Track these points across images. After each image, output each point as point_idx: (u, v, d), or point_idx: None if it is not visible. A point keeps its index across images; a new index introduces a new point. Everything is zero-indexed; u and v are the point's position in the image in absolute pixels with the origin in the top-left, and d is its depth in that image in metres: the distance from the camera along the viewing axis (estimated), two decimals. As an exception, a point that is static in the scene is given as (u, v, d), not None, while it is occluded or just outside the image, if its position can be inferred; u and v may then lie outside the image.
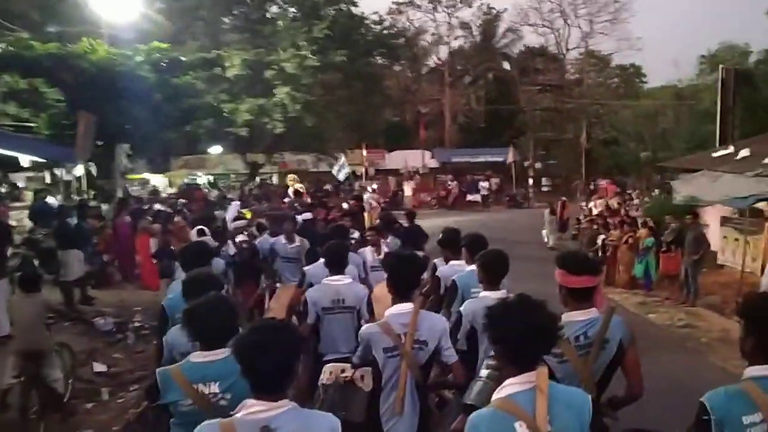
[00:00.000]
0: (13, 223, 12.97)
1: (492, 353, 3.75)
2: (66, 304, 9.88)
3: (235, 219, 11.57)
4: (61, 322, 8.07)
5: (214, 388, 3.10)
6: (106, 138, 16.41)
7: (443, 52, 45.55)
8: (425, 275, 6.11)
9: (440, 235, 6.18)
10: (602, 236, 15.26)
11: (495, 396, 2.49)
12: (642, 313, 12.07)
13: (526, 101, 42.02)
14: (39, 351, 6.28)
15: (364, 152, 33.57)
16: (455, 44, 45.64)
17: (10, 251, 10.39)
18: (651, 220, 14.31)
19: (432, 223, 17.47)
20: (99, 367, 8.43)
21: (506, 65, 46.46)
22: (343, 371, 4.12)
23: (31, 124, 15.76)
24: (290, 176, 26.11)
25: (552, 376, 3.35)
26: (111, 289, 12.70)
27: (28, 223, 13.58)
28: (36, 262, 11.98)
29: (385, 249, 7.71)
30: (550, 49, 45.15)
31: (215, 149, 30.94)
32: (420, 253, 8.86)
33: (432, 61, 46.76)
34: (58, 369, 6.59)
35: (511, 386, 2.45)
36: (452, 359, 3.89)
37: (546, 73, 43.60)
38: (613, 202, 21.43)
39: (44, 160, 14.54)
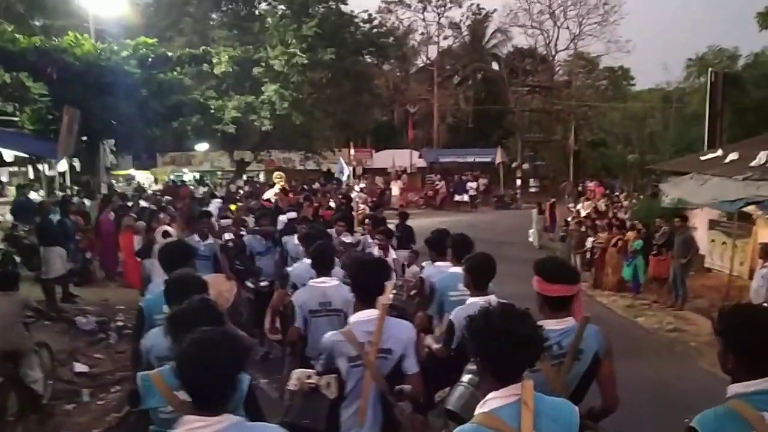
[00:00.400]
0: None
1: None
2: (47, 302, 9.68)
3: (222, 218, 11.42)
4: (41, 321, 7.87)
5: None
6: (90, 133, 16.23)
7: (432, 51, 45.58)
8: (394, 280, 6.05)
9: (429, 236, 6.10)
10: (591, 238, 15.24)
11: (477, 410, 2.36)
12: (630, 317, 12.06)
13: (514, 102, 42.05)
14: (16, 351, 6.13)
15: (352, 151, 33.49)
16: (444, 44, 45.69)
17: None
18: (639, 223, 14.30)
19: (419, 223, 17.40)
20: (80, 367, 8.26)
21: (495, 66, 46.51)
22: (309, 377, 4.02)
23: (15, 119, 15.54)
24: (276, 174, 25.96)
25: None
26: (94, 287, 12.51)
27: (10, 219, 13.38)
28: (17, 259, 11.84)
29: (393, 254, 7.63)
30: (539, 50, 45.23)
31: (202, 146, 30.73)
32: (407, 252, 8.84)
33: (421, 61, 46.79)
34: (37, 369, 6.43)
35: (493, 400, 2.33)
36: (412, 370, 3.77)
37: (535, 74, 43.67)
38: (601, 204, 21.46)
39: (27, 155, 14.28)
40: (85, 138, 16.28)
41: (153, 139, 22.68)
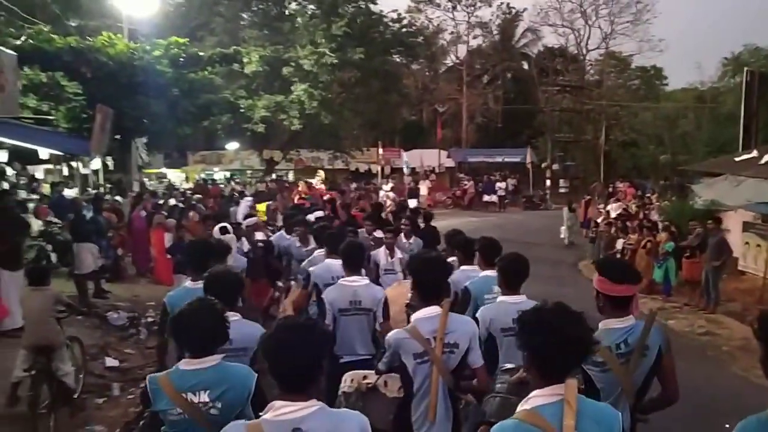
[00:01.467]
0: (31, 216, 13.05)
1: (506, 365, 3.66)
2: (79, 298, 9.84)
3: (247, 216, 11.50)
4: (72, 316, 8.01)
5: (204, 397, 3.00)
6: (123, 132, 16.48)
7: (462, 51, 45.44)
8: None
9: (452, 237, 6.06)
10: (621, 240, 15.04)
11: (520, 407, 2.37)
12: (661, 319, 11.83)
13: (544, 101, 41.69)
14: (49, 345, 6.23)
15: (380, 150, 33.50)
16: (474, 43, 45.50)
17: (26, 244, 10.40)
18: (671, 224, 14.08)
19: (447, 223, 17.37)
20: (111, 362, 8.39)
21: (525, 65, 46.19)
22: (365, 378, 4.01)
23: (50, 117, 15.85)
24: (319, 173, 26.38)
25: (593, 386, 3.29)
26: (125, 283, 12.71)
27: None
28: (52, 255, 12.08)
29: (398, 253, 7.60)
30: (570, 49, 44.74)
31: (232, 145, 31.07)
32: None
33: (450, 60, 46.68)
34: (68, 363, 6.53)
35: (537, 398, 2.33)
36: (478, 363, 3.79)
37: (565, 73, 43.19)
38: (632, 206, 21.18)
39: (62, 153, 14.54)
40: (117, 136, 16.53)
41: (184, 138, 23.00)
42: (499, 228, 23.90)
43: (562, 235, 20.88)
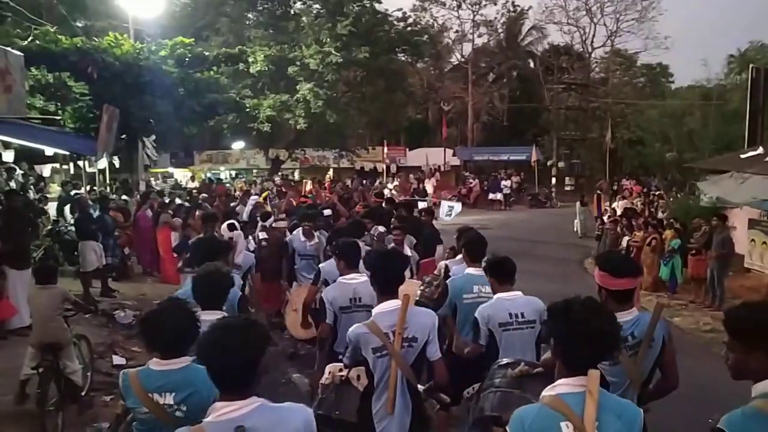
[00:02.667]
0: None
1: (503, 360, 3.69)
2: (83, 295, 9.92)
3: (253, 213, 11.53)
4: (80, 314, 8.08)
5: (169, 399, 2.99)
6: (129, 132, 16.54)
7: (467, 49, 45.33)
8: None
9: (463, 239, 6.06)
10: (626, 237, 15.02)
11: (545, 393, 2.42)
12: (666, 317, 11.78)
13: (550, 100, 41.62)
14: (56, 343, 6.27)
15: (385, 149, 33.52)
16: (479, 41, 45.36)
17: (34, 243, 10.48)
18: (677, 222, 14.05)
19: (452, 221, 17.36)
20: (118, 359, 8.44)
21: (531, 63, 46.07)
22: (340, 370, 4.09)
23: (57, 117, 15.94)
24: (328, 174, 26.45)
25: (603, 380, 3.32)
26: (132, 282, 12.77)
27: (53, 215, 13.76)
28: (59, 254, 12.16)
29: (407, 250, 7.62)
30: (575, 47, 44.59)
31: (238, 144, 31.15)
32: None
33: (455, 59, 46.59)
34: (76, 361, 6.57)
35: (562, 386, 2.39)
36: (436, 356, 3.82)
37: (571, 71, 43.09)
38: (637, 203, 21.16)
39: (68, 153, 14.62)
40: (124, 136, 16.60)
41: (190, 138, 23.10)
42: (505, 226, 23.91)
43: (575, 228, 21.72)
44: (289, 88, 26.43)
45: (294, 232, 8.31)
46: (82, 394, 6.80)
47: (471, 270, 5.15)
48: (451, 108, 41.36)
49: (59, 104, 16.16)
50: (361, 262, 5.39)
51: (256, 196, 16.62)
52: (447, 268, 5.96)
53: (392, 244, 7.67)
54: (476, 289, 4.99)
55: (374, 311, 3.86)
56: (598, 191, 25.08)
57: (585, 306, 2.44)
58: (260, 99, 25.59)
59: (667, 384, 3.59)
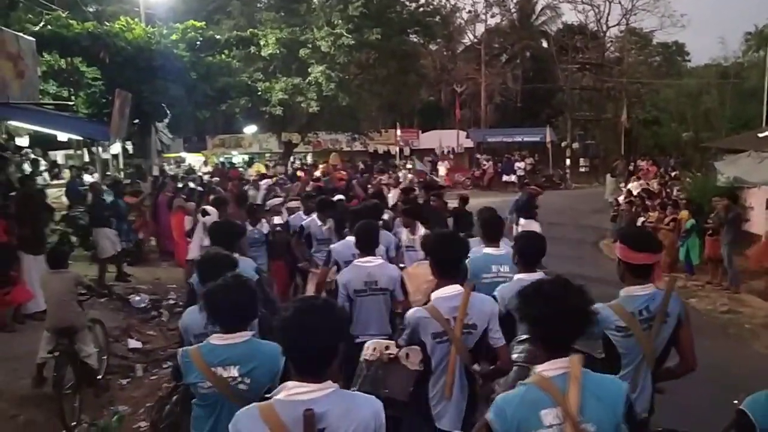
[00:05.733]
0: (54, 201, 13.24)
1: (521, 336, 3.67)
2: (98, 280, 10.01)
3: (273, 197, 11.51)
4: (95, 299, 8.13)
5: (234, 372, 3.06)
6: (142, 116, 16.53)
7: (479, 29, 44.90)
8: None
9: (480, 219, 5.98)
10: (641, 218, 14.88)
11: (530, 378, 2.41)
12: (683, 298, 11.71)
13: (564, 80, 41.17)
14: (71, 327, 6.33)
15: (398, 132, 33.39)
16: (492, 22, 44.95)
17: (49, 229, 10.55)
18: (693, 203, 13.88)
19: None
20: (133, 343, 8.51)
21: (544, 43, 45.57)
22: (387, 348, 4.05)
23: (70, 103, 15.98)
24: (333, 155, 26.37)
25: (614, 351, 3.37)
26: (147, 266, 12.85)
27: (65, 201, 13.83)
28: (74, 239, 12.24)
29: (420, 230, 7.56)
30: (589, 26, 44.06)
31: (250, 128, 31.10)
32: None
33: (468, 40, 46.19)
34: (91, 345, 6.64)
35: (544, 372, 2.37)
36: (500, 343, 3.79)
37: (585, 51, 42.54)
38: (653, 183, 20.96)
39: (81, 138, 14.68)
40: (136, 121, 16.61)
41: (203, 122, 23.04)
42: (518, 208, 23.76)
43: (605, 196, 23.79)
44: (301, 71, 26.28)
45: (310, 218, 8.27)
46: (99, 377, 6.88)
47: (489, 250, 5.09)
48: (464, 89, 41.05)
49: (72, 90, 16.21)
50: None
51: (270, 180, 16.62)
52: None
53: (401, 228, 7.64)
54: (495, 269, 4.93)
55: (433, 296, 3.82)
56: (611, 174, 25.42)
57: (556, 285, 2.44)
58: (272, 82, 25.48)
59: (685, 366, 3.56)
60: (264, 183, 15.94)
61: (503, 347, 3.78)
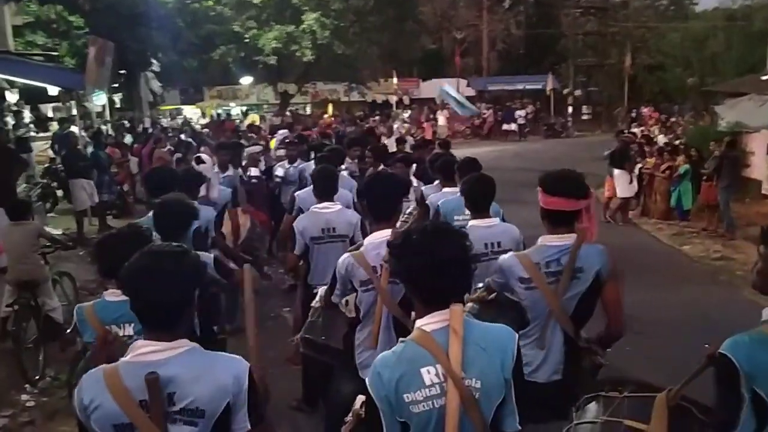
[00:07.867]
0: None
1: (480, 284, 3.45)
2: (77, 233, 9.86)
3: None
4: (73, 252, 7.97)
5: (129, 330, 2.89)
6: (128, 66, 16.19)
7: (481, -27, 43.65)
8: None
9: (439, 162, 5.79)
10: (638, 165, 14.54)
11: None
12: (675, 245, 11.51)
13: (567, 25, 40.24)
14: (32, 280, 6.19)
15: (395, 80, 32.78)
16: (494, -35, 43.65)
17: (25, 183, 10.37)
18: (692, 148, 13.53)
19: (465, 152, 16.97)
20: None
21: (548, -13, 44.39)
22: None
23: (55, 54, 15.63)
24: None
25: (518, 304, 3.13)
26: (131, 218, 12.64)
27: (49, 153, 13.63)
28: (58, 192, 12.07)
29: (414, 182, 7.31)
30: (595, -31, 42.81)
31: (246, 79, 30.57)
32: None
33: (470, -16, 44.95)
34: (55, 298, 6.50)
35: (425, 326, 2.13)
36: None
37: (590, -6, 41.49)
38: (654, 130, 20.55)
39: (62, 89, 14.32)
40: (123, 71, 16.27)
41: (196, 72, 22.66)
42: (518, 157, 23.46)
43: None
44: (295, 18, 25.69)
45: (302, 192, 8.02)
46: (67, 331, 6.74)
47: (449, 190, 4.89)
48: (465, 37, 40.19)
49: (57, 40, 15.85)
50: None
51: (285, 131, 16.21)
52: (423, 194, 5.71)
53: None
54: (468, 212, 4.72)
55: (365, 241, 3.60)
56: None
57: (425, 235, 2.15)
58: (265, 30, 24.92)
59: (610, 330, 3.23)
60: (280, 133, 15.53)
61: None
